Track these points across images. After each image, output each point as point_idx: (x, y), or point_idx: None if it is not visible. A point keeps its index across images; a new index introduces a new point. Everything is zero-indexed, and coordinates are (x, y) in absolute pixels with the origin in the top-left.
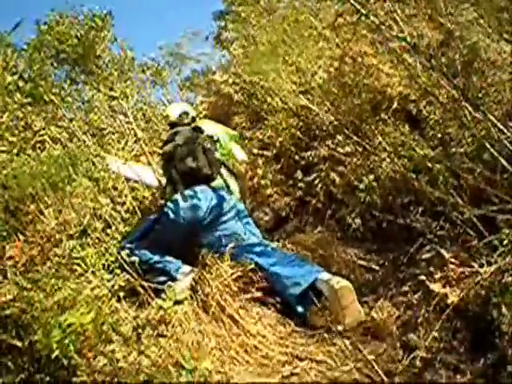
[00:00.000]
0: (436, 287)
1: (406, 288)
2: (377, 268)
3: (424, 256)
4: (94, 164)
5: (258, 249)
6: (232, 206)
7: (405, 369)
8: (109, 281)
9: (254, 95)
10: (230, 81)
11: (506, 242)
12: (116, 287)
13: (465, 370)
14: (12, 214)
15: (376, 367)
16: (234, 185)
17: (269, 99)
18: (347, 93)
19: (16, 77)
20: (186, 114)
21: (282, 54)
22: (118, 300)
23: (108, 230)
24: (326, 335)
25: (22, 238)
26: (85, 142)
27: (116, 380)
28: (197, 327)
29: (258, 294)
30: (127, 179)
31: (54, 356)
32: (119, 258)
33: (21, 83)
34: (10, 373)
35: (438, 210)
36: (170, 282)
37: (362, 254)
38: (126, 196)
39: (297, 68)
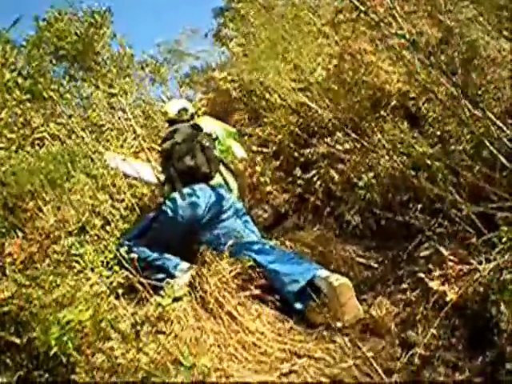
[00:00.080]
0: (435, 284)
1: (404, 285)
2: (375, 265)
3: (423, 253)
4: (92, 161)
5: (256, 247)
6: (231, 205)
7: (403, 366)
8: (107, 278)
9: (253, 92)
10: (229, 78)
11: (504, 239)
12: (115, 284)
13: (463, 367)
14: (11, 211)
15: (375, 364)
16: (232, 183)
17: (268, 96)
18: (346, 90)
19: (15, 73)
20: (185, 110)
21: (281, 51)
22: (117, 297)
23: (107, 227)
24: (324, 332)
25: (20, 234)
26: (83, 138)
27: (114, 377)
28: (195, 324)
29: (257, 292)
30: (126, 176)
31: (52, 353)
32: (118, 255)
33: (20, 80)
34: (9, 370)
35: (437, 208)
36: (168, 279)
37: (361, 251)
38: (124, 193)
39: (296, 65)
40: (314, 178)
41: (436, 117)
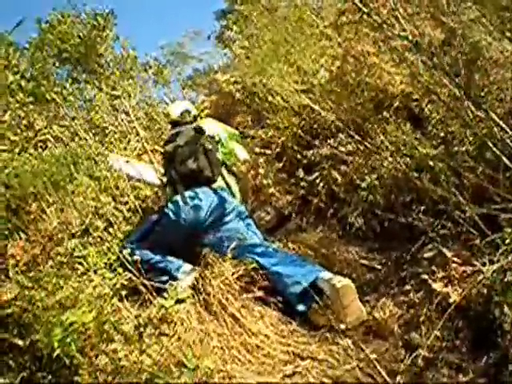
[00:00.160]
0: (438, 286)
1: (408, 287)
2: (379, 267)
3: (426, 255)
4: (95, 163)
5: (259, 249)
6: (233, 207)
7: (407, 368)
8: (111, 280)
9: (256, 94)
10: (232, 80)
11: (508, 240)
12: (118, 286)
13: (467, 368)
14: (14, 213)
15: (378, 366)
16: (234, 186)
17: (271, 98)
18: (349, 92)
19: (18, 76)
20: (188, 112)
21: (283, 53)
22: (120, 299)
23: (110, 229)
24: (327, 334)
25: (23, 236)
26: (87, 140)
27: (118, 379)
28: (198, 326)
29: (260, 294)
30: (129, 177)
31: (55, 355)
32: (121, 257)
33: (23, 82)
34: (12, 371)
35: (440, 209)
36: (171, 281)
37: (364, 252)
38: (128, 195)
39: (299, 67)
40: (317, 180)
41: (439, 118)
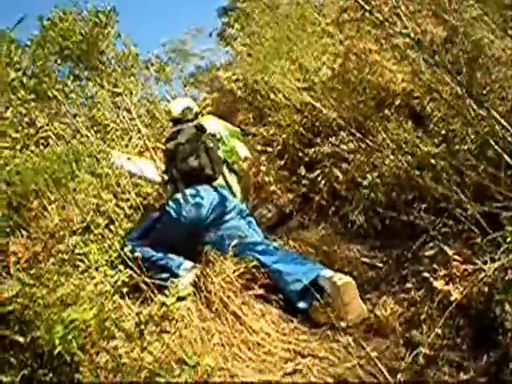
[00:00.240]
0: (439, 284)
1: (409, 285)
2: (380, 265)
3: (427, 253)
4: (97, 160)
5: (260, 247)
6: (234, 205)
7: (408, 366)
8: (112, 277)
9: (258, 92)
10: (234, 77)
11: (509, 239)
12: (119, 283)
13: (468, 367)
14: (15, 210)
15: (379, 364)
16: (235, 184)
17: (272, 96)
18: (351, 89)
19: (20, 73)
20: (189, 109)
21: (285, 51)
22: (121, 296)
23: (111, 226)
24: (328, 332)
25: (25, 234)
26: (88, 138)
27: (119, 376)
28: (199, 324)
29: (261, 291)
30: (131, 174)
31: (56, 352)
32: (122, 254)
33: (24, 79)
34: (13, 369)
35: (442, 207)
36: (172, 279)
37: (365, 250)
38: (129, 192)
39: (300, 64)
40: (319, 178)
41: (441, 116)
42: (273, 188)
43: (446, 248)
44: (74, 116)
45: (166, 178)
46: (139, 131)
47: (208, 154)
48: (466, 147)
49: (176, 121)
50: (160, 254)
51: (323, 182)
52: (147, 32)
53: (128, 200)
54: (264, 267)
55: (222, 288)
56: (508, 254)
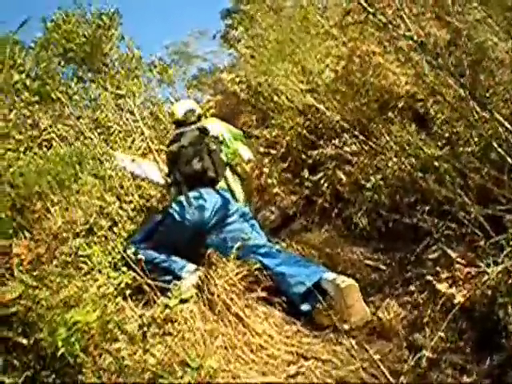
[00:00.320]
0: (442, 287)
1: (412, 288)
2: (383, 267)
3: (431, 256)
4: (100, 162)
5: (263, 250)
6: (237, 208)
7: (410, 369)
8: (115, 279)
9: (261, 94)
10: (237, 79)
11: None
12: (122, 285)
13: (471, 370)
14: (19, 212)
15: (382, 367)
16: (238, 187)
17: (276, 98)
18: (354, 92)
19: (23, 75)
20: (192, 111)
21: (289, 53)
22: (124, 298)
23: (114, 229)
24: (331, 335)
25: (28, 235)
26: (92, 140)
27: (121, 378)
28: (202, 326)
29: (264, 294)
30: (135, 176)
31: (59, 354)
32: (125, 256)
33: (28, 81)
34: (16, 370)
35: (445, 210)
36: (175, 281)
37: (369, 253)
38: (132, 194)
39: (304, 67)
40: (322, 180)
41: (444, 119)
42: (276, 190)
43: (449, 251)
44: (78, 118)
45: (169, 180)
46: (142, 133)
47: (211, 156)
48: (469, 150)
49: (179, 123)
50: (163, 257)
51: (326, 184)
52: (150, 34)
53: (131, 202)
54: (267, 270)
55: (225, 290)
56: (511, 258)
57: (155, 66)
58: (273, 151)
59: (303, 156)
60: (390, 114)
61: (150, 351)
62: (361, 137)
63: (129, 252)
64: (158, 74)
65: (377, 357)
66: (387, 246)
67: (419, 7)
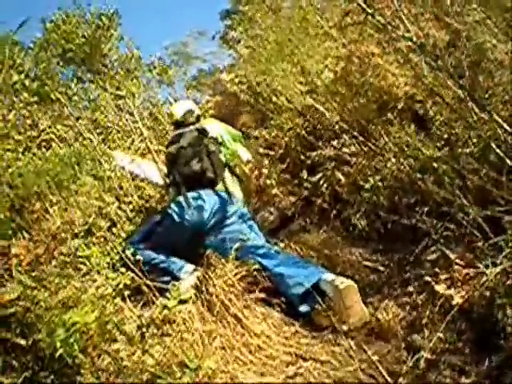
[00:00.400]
0: (441, 288)
1: (411, 289)
2: (382, 268)
3: (429, 257)
4: (99, 163)
5: (261, 251)
6: (236, 210)
7: (409, 370)
8: (113, 280)
9: (260, 95)
10: (237, 80)
11: (511, 243)
12: (121, 286)
13: (469, 371)
14: (17, 213)
15: (380, 368)
16: (237, 188)
17: (275, 99)
18: (353, 93)
19: (22, 75)
20: (191, 112)
21: (288, 54)
22: (123, 299)
23: (113, 229)
24: (330, 335)
25: (27, 236)
26: (91, 140)
27: (120, 379)
28: (201, 326)
29: (263, 294)
30: (134, 176)
31: (58, 355)
32: (124, 256)
33: (27, 82)
34: (14, 371)
35: (444, 211)
36: (174, 282)
37: (367, 254)
38: (131, 195)
39: (303, 67)
40: (321, 181)
41: (443, 120)
42: (275, 191)
43: (447, 252)
44: (77, 119)
45: (168, 181)
46: (141, 134)
47: (210, 157)
48: (468, 151)
49: (178, 124)
50: (161, 257)
51: (325, 185)
52: (150, 35)
53: (130, 203)
54: (265, 270)
55: (224, 291)
56: (510, 259)
57: (155, 67)
58: (272, 152)
59: (302, 157)
60: (389, 115)
61: (149, 352)
62: (360, 138)
63: (127, 253)
64: (158, 75)
65: (375, 358)
66: (386, 247)
67: (418, 8)
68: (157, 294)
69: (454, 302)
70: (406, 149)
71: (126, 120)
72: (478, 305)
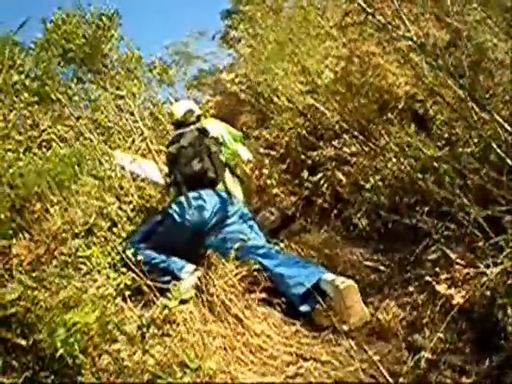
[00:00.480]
0: (442, 288)
1: (411, 288)
2: (382, 268)
3: (430, 257)
4: (100, 163)
5: (262, 251)
6: (236, 210)
7: (410, 370)
8: (114, 280)
9: (261, 94)
10: (237, 80)
11: (511, 243)
12: (121, 286)
13: (470, 371)
14: (18, 213)
15: (381, 368)
16: (238, 188)
17: (275, 99)
18: (354, 92)
19: (23, 75)
20: (191, 112)
21: (288, 54)
22: (123, 299)
23: (114, 229)
24: (330, 335)
25: (27, 236)
26: (91, 140)
27: (120, 379)
28: (202, 327)
29: (263, 294)
30: (134, 175)
31: (58, 355)
32: (125, 256)
33: (28, 82)
34: (15, 371)
35: (445, 211)
36: (174, 281)
37: (368, 254)
38: (132, 195)
39: (303, 67)
40: (321, 181)
41: (443, 120)
42: (275, 191)
43: (448, 252)
44: (77, 118)
45: (168, 180)
46: (142, 134)
47: (211, 157)
48: (468, 151)
49: (178, 124)
50: (162, 257)
51: (326, 185)
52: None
53: (131, 202)
54: (266, 270)
55: (224, 291)
56: (511, 258)
57: (155, 67)
58: (272, 152)
59: (303, 157)
60: (389, 114)
61: (149, 352)
62: (360, 137)
63: (128, 253)
64: (158, 75)
65: (376, 358)
66: (386, 246)
67: (418, 8)
68: (157, 294)
69: (454, 302)
70: (406, 148)
71: (127, 120)
72: (479, 305)
